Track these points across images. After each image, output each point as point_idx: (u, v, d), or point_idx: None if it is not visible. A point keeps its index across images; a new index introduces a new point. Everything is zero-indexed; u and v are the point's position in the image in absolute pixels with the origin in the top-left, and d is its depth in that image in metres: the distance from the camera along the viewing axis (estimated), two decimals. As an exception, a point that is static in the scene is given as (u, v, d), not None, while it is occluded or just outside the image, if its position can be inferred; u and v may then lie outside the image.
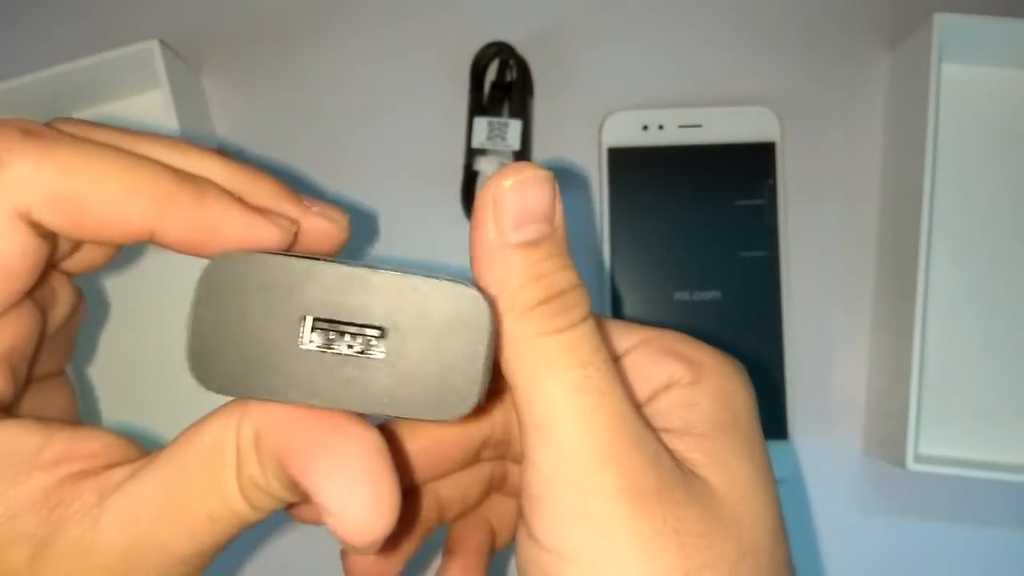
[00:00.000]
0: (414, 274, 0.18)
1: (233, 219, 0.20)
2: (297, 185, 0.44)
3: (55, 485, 0.18)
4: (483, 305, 0.18)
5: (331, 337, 0.18)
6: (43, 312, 0.21)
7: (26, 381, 0.21)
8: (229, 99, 0.45)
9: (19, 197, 0.18)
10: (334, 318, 0.18)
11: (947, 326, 0.41)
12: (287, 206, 0.21)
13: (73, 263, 0.22)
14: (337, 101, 0.44)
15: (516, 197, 0.19)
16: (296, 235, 0.21)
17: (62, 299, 0.23)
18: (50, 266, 0.20)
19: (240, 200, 0.20)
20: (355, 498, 0.17)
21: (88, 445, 0.19)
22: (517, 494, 0.28)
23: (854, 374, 0.42)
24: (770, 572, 0.20)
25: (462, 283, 0.19)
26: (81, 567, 0.18)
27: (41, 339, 0.21)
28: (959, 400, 0.41)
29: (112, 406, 0.43)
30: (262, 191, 0.21)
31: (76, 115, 0.43)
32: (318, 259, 0.18)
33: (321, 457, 0.18)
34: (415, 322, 0.18)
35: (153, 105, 0.43)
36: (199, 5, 0.45)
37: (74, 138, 0.19)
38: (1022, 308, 0.41)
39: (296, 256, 0.18)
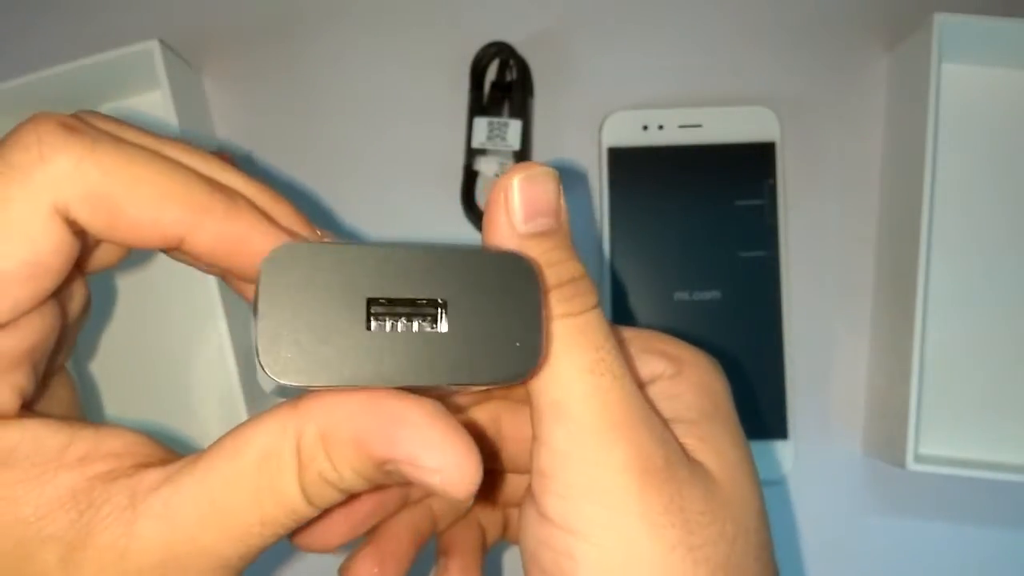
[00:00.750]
0: (457, 247, 0.19)
1: (262, 233, 0.20)
2: (297, 183, 0.44)
3: (84, 486, 0.18)
4: (529, 265, 0.19)
5: (395, 317, 0.18)
6: (63, 309, 0.21)
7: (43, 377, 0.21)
8: (229, 99, 0.45)
9: (58, 193, 0.18)
10: (395, 297, 0.18)
11: (947, 326, 0.41)
12: (302, 230, 0.22)
13: (89, 262, 0.22)
14: (337, 101, 0.44)
15: (525, 192, 0.20)
16: None
17: (77, 297, 0.23)
18: (76, 265, 0.20)
19: (267, 215, 0.21)
20: (452, 453, 0.18)
21: (111, 443, 0.19)
22: (504, 503, 0.29)
23: (854, 374, 0.42)
24: (757, 551, 0.21)
25: (504, 250, 0.20)
26: (115, 571, 0.18)
27: (60, 336, 0.21)
28: (959, 400, 0.41)
29: (114, 402, 0.43)
30: (282, 212, 0.22)
31: (76, 115, 0.43)
32: (366, 244, 0.19)
33: (407, 428, 0.18)
34: (471, 291, 0.19)
35: (153, 105, 0.43)
36: (199, 5, 0.45)
37: (114, 137, 0.19)
38: (1021, 308, 0.41)
39: (346, 243, 0.19)
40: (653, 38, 0.44)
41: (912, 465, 0.36)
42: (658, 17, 0.44)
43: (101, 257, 0.23)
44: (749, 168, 0.42)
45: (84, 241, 0.20)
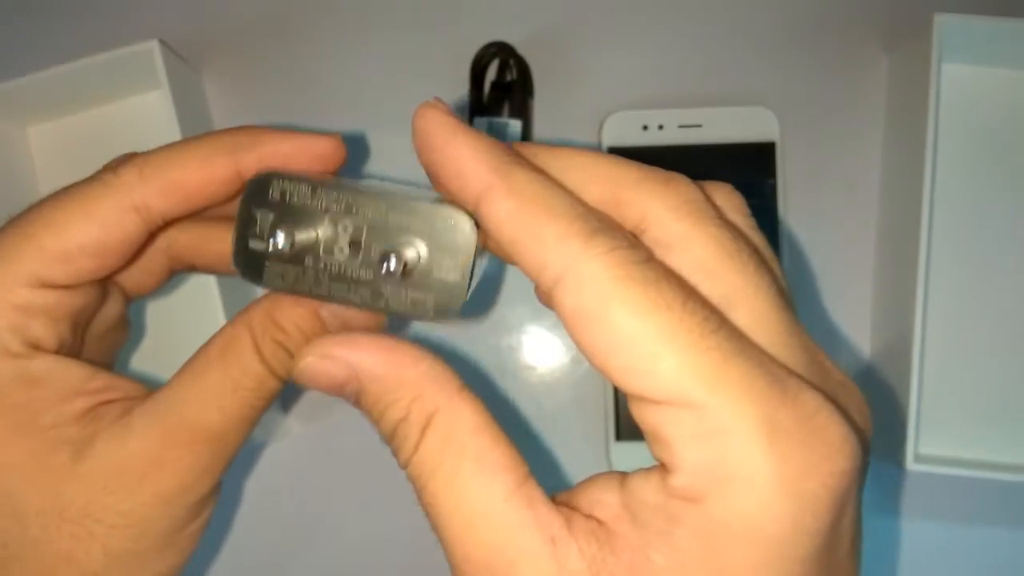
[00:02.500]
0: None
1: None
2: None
3: (94, 405, 0.23)
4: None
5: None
6: (103, 299, 0.26)
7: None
8: (229, 99, 0.45)
9: (133, 194, 0.23)
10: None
11: (947, 326, 0.41)
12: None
13: (127, 282, 0.27)
14: (337, 101, 0.44)
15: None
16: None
17: (113, 303, 0.27)
18: (133, 257, 0.25)
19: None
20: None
21: (121, 384, 0.24)
22: None
23: (854, 374, 0.42)
24: None
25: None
26: (119, 457, 0.22)
27: (89, 320, 0.26)
28: (959, 400, 0.41)
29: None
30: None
31: (76, 115, 0.43)
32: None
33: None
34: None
35: (153, 105, 0.43)
36: (199, 5, 0.45)
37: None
38: (1022, 308, 0.41)
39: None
40: (653, 38, 0.44)
41: (912, 465, 0.36)
42: (658, 17, 0.44)
43: (138, 280, 0.27)
44: (749, 168, 0.42)
45: (151, 235, 0.24)
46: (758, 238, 0.21)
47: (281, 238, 0.20)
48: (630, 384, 0.17)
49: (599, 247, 0.17)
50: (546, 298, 0.18)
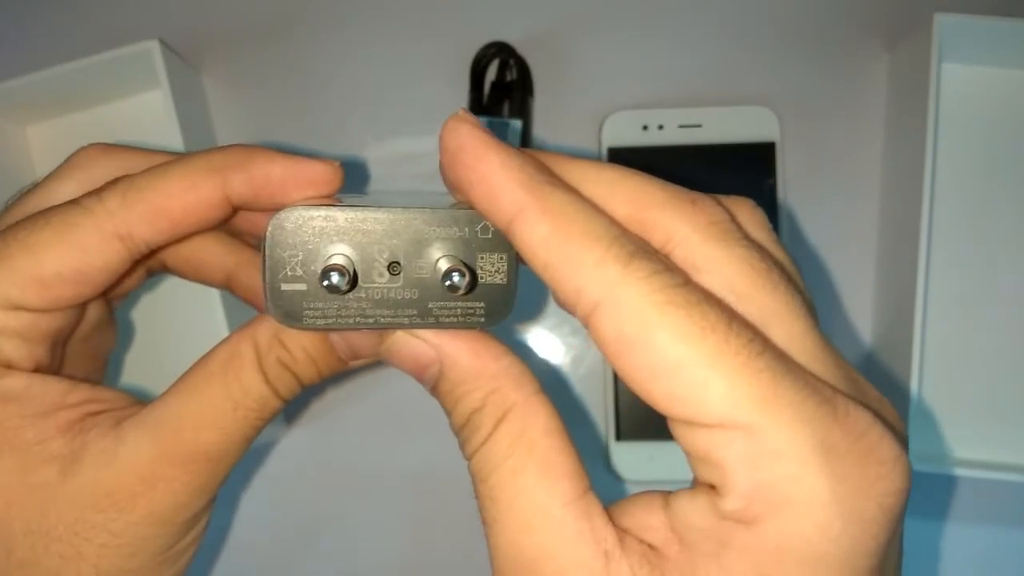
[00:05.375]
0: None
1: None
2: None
3: (78, 418, 0.22)
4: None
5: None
6: (82, 316, 0.25)
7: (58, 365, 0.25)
8: (229, 99, 0.44)
9: (115, 222, 0.22)
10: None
11: (947, 326, 0.41)
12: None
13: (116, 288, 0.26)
14: (337, 101, 0.44)
15: None
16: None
17: (93, 310, 0.26)
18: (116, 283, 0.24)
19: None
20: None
21: (105, 395, 0.23)
22: None
23: (854, 374, 0.42)
24: None
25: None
26: (109, 475, 0.21)
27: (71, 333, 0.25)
28: (959, 400, 0.41)
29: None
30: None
31: (76, 115, 0.44)
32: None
33: None
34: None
35: (153, 105, 0.43)
36: (199, 5, 0.45)
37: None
38: (1022, 308, 0.41)
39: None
40: (653, 38, 0.44)
41: (912, 465, 0.36)
42: (658, 17, 0.44)
43: (126, 283, 0.26)
44: (749, 168, 0.42)
45: (140, 260, 0.23)
46: (782, 254, 0.20)
47: (316, 276, 0.19)
48: (677, 409, 0.17)
49: (638, 272, 0.17)
50: (583, 322, 0.18)
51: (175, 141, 0.38)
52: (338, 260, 0.19)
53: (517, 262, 0.20)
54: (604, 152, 0.42)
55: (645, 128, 0.42)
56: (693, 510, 0.17)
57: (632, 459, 0.41)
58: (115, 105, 0.43)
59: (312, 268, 0.19)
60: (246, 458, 0.41)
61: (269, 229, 0.19)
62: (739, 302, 0.18)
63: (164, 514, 0.22)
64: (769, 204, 0.41)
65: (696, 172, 0.42)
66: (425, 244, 0.19)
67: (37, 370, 0.23)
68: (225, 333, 0.38)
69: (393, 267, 0.19)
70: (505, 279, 0.20)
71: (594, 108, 0.43)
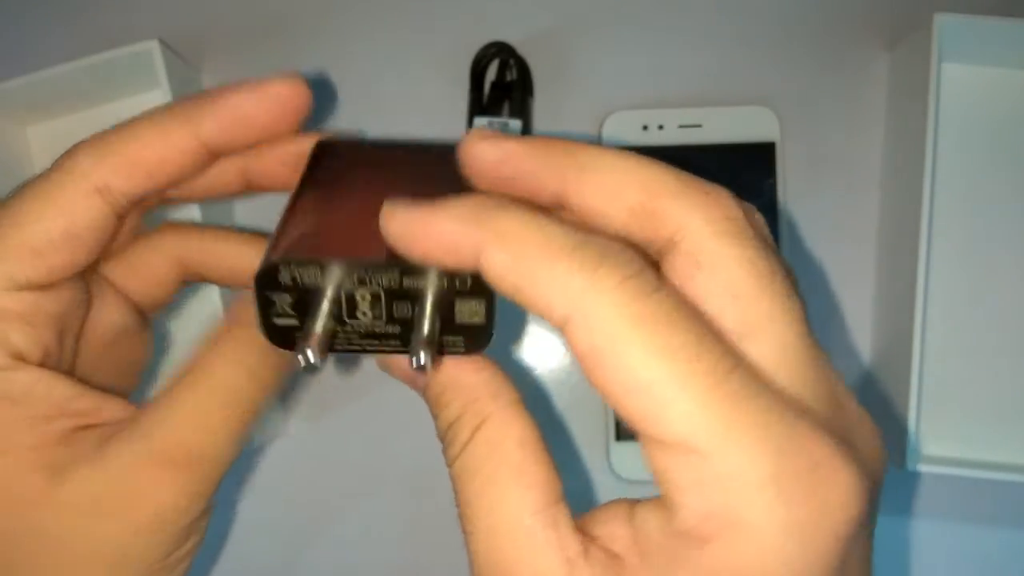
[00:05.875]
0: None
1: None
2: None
3: (74, 428, 0.22)
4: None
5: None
6: (88, 303, 0.25)
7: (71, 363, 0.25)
8: (229, 99, 0.44)
9: (92, 173, 0.22)
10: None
11: (947, 326, 0.41)
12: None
13: (135, 293, 0.26)
14: (337, 101, 0.44)
15: None
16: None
17: (113, 309, 0.26)
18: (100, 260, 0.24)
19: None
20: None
21: (112, 407, 0.23)
22: None
23: (854, 374, 0.42)
24: None
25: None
26: (96, 485, 0.21)
27: (81, 327, 0.25)
28: (959, 400, 0.41)
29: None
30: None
31: (76, 115, 0.43)
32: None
33: None
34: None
35: (153, 105, 0.43)
36: (199, 5, 0.45)
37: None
38: (1022, 308, 0.41)
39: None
40: (653, 38, 0.44)
41: (912, 465, 0.36)
42: (658, 17, 0.44)
43: (149, 292, 0.26)
44: (749, 168, 0.42)
45: (119, 220, 0.23)
46: (783, 260, 0.20)
47: (306, 315, 0.20)
48: (642, 427, 0.17)
49: (607, 280, 0.17)
50: (560, 335, 0.18)
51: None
52: (325, 305, 0.20)
53: (495, 303, 0.20)
54: (604, 152, 0.42)
55: (645, 128, 0.42)
56: (652, 523, 0.18)
57: (632, 459, 0.41)
58: (115, 105, 0.43)
59: (302, 308, 0.20)
60: (246, 458, 0.41)
61: (257, 278, 0.20)
62: (735, 303, 0.18)
63: (153, 524, 0.21)
64: (769, 204, 0.41)
65: (696, 172, 0.42)
66: (406, 293, 0.20)
67: (45, 360, 0.22)
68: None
69: (375, 307, 0.20)
70: (483, 320, 0.20)
71: (594, 108, 0.43)
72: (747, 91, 0.43)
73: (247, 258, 0.27)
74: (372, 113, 0.44)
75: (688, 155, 0.42)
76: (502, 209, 0.18)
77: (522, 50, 0.42)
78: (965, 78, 0.42)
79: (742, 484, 0.16)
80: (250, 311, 0.21)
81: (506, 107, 0.42)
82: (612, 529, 0.19)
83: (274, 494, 0.43)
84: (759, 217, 0.20)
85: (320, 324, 0.20)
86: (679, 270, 0.18)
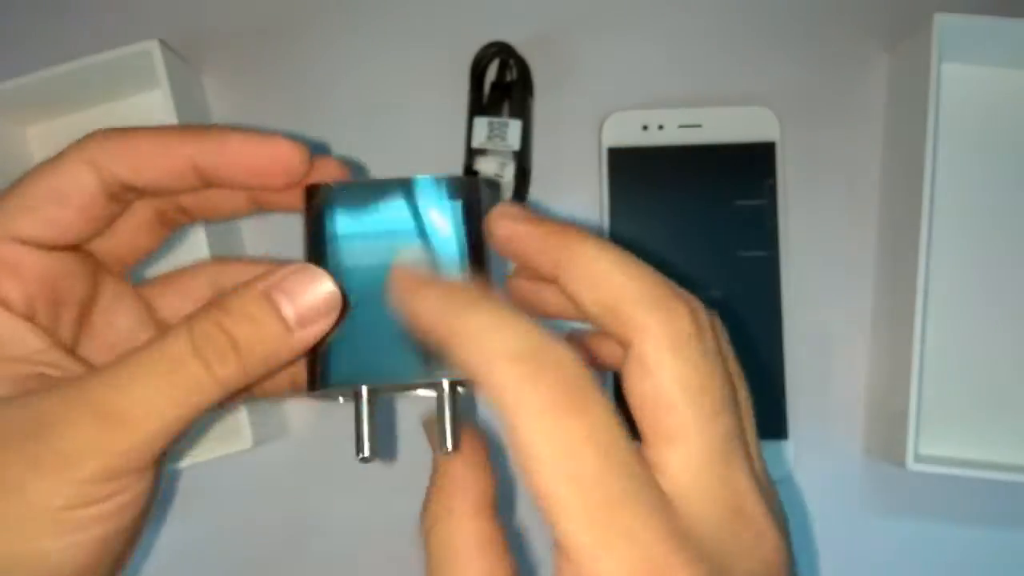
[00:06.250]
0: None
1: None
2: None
3: (28, 375, 0.23)
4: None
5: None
6: (94, 287, 0.26)
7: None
8: (229, 99, 0.45)
9: (86, 150, 0.24)
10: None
11: (947, 326, 0.41)
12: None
13: (120, 248, 0.27)
14: (337, 101, 0.44)
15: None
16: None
17: (128, 310, 0.27)
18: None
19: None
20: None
21: (77, 369, 0.24)
22: None
23: (854, 374, 0.42)
24: None
25: None
26: (15, 416, 0.21)
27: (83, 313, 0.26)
28: (959, 400, 0.41)
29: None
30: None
31: (76, 115, 0.43)
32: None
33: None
34: None
35: (153, 105, 0.43)
36: (199, 5, 0.45)
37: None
38: (1021, 308, 0.41)
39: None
40: (653, 38, 0.44)
41: (912, 465, 0.36)
42: (658, 17, 0.44)
43: (131, 242, 0.27)
44: (749, 168, 0.42)
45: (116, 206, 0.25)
46: (734, 366, 0.23)
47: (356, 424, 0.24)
48: (549, 527, 0.19)
49: (531, 401, 0.18)
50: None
51: (175, 141, 0.38)
52: (365, 416, 0.23)
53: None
54: (604, 152, 0.42)
55: (645, 128, 0.42)
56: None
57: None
58: (115, 105, 0.44)
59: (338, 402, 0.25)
60: (246, 458, 0.41)
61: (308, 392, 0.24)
62: (661, 411, 0.20)
63: (57, 462, 0.21)
64: (769, 204, 0.41)
65: (696, 172, 0.42)
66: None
67: (30, 315, 0.24)
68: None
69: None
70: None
71: (594, 108, 0.43)
72: (747, 91, 0.43)
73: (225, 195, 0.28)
74: (372, 113, 0.44)
75: (688, 155, 0.42)
76: (466, 308, 0.20)
77: (522, 50, 0.42)
78: (965, 78, 0.42)
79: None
80: (248, 310, 0.22)
81: (506, 107, 0.42)
82: None
83: (274, 494, 0.43)
84: (718, 331, 0.22)
85: (365, 430, 0.23)
86: (630, 370, 0.20)
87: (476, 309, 0.19)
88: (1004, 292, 0.41)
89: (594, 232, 0.22)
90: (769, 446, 0.40)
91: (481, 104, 0.42)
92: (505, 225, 0.23)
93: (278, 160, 0.25)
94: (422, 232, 0.24)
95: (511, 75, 0.42)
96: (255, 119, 0.44)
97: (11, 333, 0.23)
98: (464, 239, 0.24)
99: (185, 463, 0.38)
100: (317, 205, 0.24)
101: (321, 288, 0.22)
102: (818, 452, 0.42)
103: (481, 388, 0.19)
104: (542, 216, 0.22)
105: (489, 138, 0.41)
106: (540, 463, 0.18)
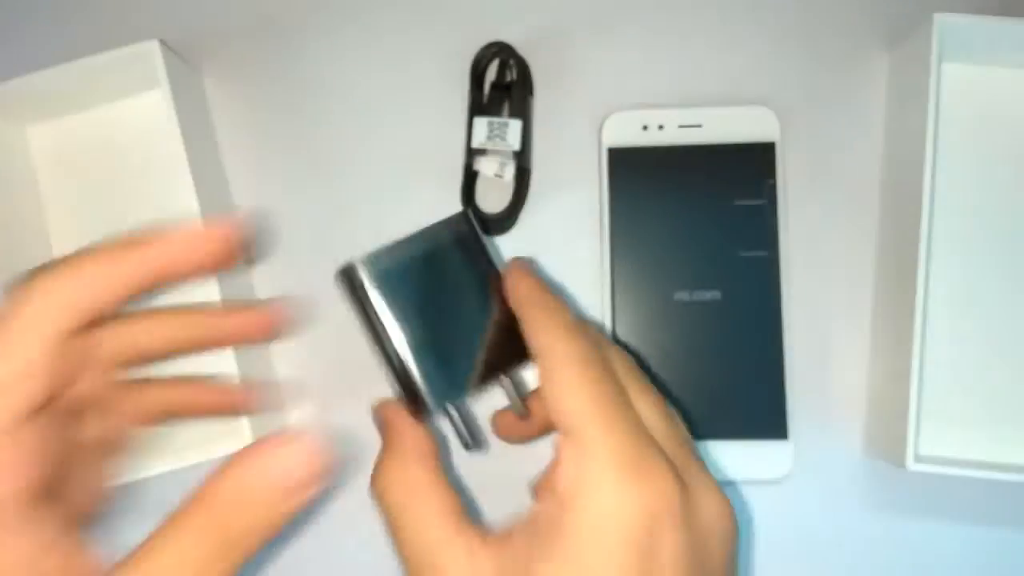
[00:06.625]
0: None
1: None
2: (296, 185, 0.44)
3: None
4: None
5: None
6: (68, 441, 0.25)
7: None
8: (229, 99, 0.44)
9: (46, 316, 0.22)
10: None
11: (947, 326, 0.41)
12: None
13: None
14: (337, 101, 0.44)
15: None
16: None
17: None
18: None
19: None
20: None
21: (81, 563, 0.22)
22: None
23: (854, 374, 0.42)
24: None
25: None
26: None
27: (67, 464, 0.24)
28: (959, 400, 0.41)
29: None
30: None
31: (76, 115, 0.44)
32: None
33: None
34: None
35: (153, 105, 0.43)
36: (199, 5, 0.45)
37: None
38: (1022, 308, 0.41)
39: None
40: (653, 38, 0.44)
41: (912, 465, 0.36)
42: (658, 17, 0.44)
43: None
44: (749, 168, 0.42)
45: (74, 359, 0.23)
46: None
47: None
48: (556, 423, 0.26)
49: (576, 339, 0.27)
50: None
51: (175, 141, 0.38)
52: (461, 428, 0.29)
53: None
54: (604, 152, 0.42)
55: (645, 128, 0.42)
56: (543, 502, 0.25)
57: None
58: (115, 105, 0.43)
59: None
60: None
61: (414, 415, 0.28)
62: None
63: None
64: (769, 204, 0.41)
65: (696, 172, 0.42)
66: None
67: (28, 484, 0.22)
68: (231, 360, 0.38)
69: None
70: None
71: (594, 108, 0.43)
72: (747, 91, 0.43)
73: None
74: (372, 113, 0.44)
75: (688, 155, 0.42)
76: (546, 293, 0.28)
77: (522, 50, 0.42)
78: (965, 78, 0.42)
79: (593, 458, 0.23)
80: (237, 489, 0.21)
81: (506, 107, 0.42)
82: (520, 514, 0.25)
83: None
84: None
85: (463, 430, 0.29)
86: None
87: (550, 294, 0.28)
88: (1004, 292, 0.41)
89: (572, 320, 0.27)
90: (769, 446, 0.40)
91: (481, 104, 0.42)
92: (510, 283, 0.29)
93: (210, 250, 0.24)
94: (455, 265, 0.29)
95: (511, 75, 0.42)
96: (255, 119, 0.44)
97: (11, 532, 0.21)
98: (483, 261, 0.29)
99: (185, 463, 0.38)
100: (357, 286, 0.28)
101: (313, 460, 0.22)
102: (818, 452, 0.42)
103: (538, 345, 0.26)
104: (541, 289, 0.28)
105: (489, 138, 0.41)
106: (564, 376, 0.25)
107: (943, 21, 0.37)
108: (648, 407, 0.26)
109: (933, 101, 0.37)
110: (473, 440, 0.29)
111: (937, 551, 0.41)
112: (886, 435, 0.39)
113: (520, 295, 0.28)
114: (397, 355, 0.28)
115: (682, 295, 0.41)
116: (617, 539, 0.23)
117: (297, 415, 0.44)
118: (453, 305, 0.29)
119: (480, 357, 0.28)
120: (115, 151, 0.44)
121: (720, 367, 0.41)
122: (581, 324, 0.27)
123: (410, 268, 0.28)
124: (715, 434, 0.40)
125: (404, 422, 0.28)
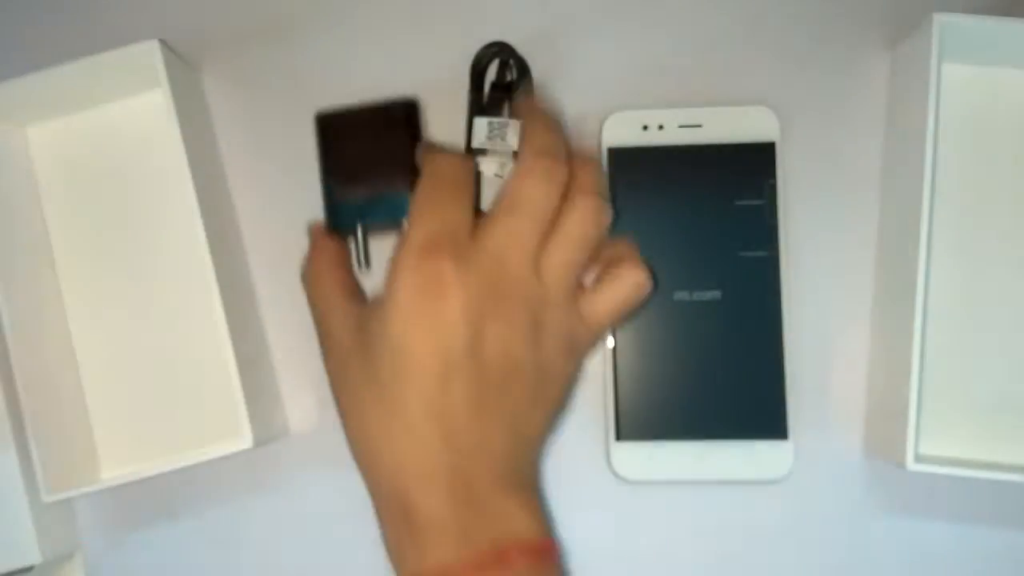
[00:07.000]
0: None
1: None
2: (296, 185, 0.44)
3: None
4: None
5: None
6: None
7: None
8: (229, 99, 0.45)
9: None
10: None
11: (947, 326, 0.41)
12: None
13: None
14: (337, 101, 0.44)
15: None
16: None
17: None
18: None
19: None
20: None
21: None
22: None
23: (854, 374, 0.42)
24: None
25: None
26: None
27: None
28: (959, 400, 0.41)
29: (112, 402, 0.43)
30: None
31: (76, 115, 0.43)
32: None
33: None
34: None
35: (153, 105, 0.43)
36: (199, 5, 0.45)
37: None
38: (1022, 309, 0.41)
39: None
40: (653, 38, 0.44)
41: (912, 465, 0.36)
42: (658, 17, 0.44)
43: None
44: (749, 168, 0.42)
45: None
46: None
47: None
48: None
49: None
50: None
51: (175, 141, 0.38)
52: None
53: None
54: (604, 152, 0.42)
55: (645, 128, 0.42)
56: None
57: (632, 459, 0.41)
58: (115, 105, 0.43)
59: None
60: (247, 458, 0.41)
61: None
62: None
63: None
64: (769, 204, 0.41)
65: (696, 172, 0.42)
66: None
67: None
68: (222, 320, 0.38)
69: None
70: None
71: (594, 108, 0.43)
72: (747, 91, 0.43)
73: None
74: (372, 113, 0.44)
75: (688, 155, 0.42)
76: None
77: (522, 50, 0.42)
78: (965, 78, 0.42)
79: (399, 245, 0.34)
80: None
81: (506, 107, 0.42)
82: None
83: (274, 494, 0.43)
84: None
85: (360, 252, 0.39)
86: None
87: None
88: (1004, 292, 0.41)
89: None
90: (769, 446, 0.40)
91: (481, 104, 0.42)
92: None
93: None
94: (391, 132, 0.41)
95: (511, 75, 0.42)
96: (255, 119, 0.44)
97: None
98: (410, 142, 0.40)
99: (185, 463, 0.38)
100: (317, 132, 0.41)
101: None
102: (818, 452, 0.42)
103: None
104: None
105: (489, 138, 0.41)
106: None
107: (943, 21, 0.37)
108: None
109: (933, 101, 0.37)
110: (366, 261, 0.39)
111: (937, 551, 0.41)
112: (886, 435, 0.39)
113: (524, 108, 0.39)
114: (325, 184, 0.40)
115: (682, 295, 0.41)
116: (409, 293, 0.33)
117: (294, 402, 0.44)
118: (378, 158, 0.39)
119: (379, 198, 0.39)
120: (115, 151, 0.44)
121: (720, 367, 0.41)
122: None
123: (357, 124, 0.40)
124: (715, 434, 0.40)
125: (323, 236, 0.40)
